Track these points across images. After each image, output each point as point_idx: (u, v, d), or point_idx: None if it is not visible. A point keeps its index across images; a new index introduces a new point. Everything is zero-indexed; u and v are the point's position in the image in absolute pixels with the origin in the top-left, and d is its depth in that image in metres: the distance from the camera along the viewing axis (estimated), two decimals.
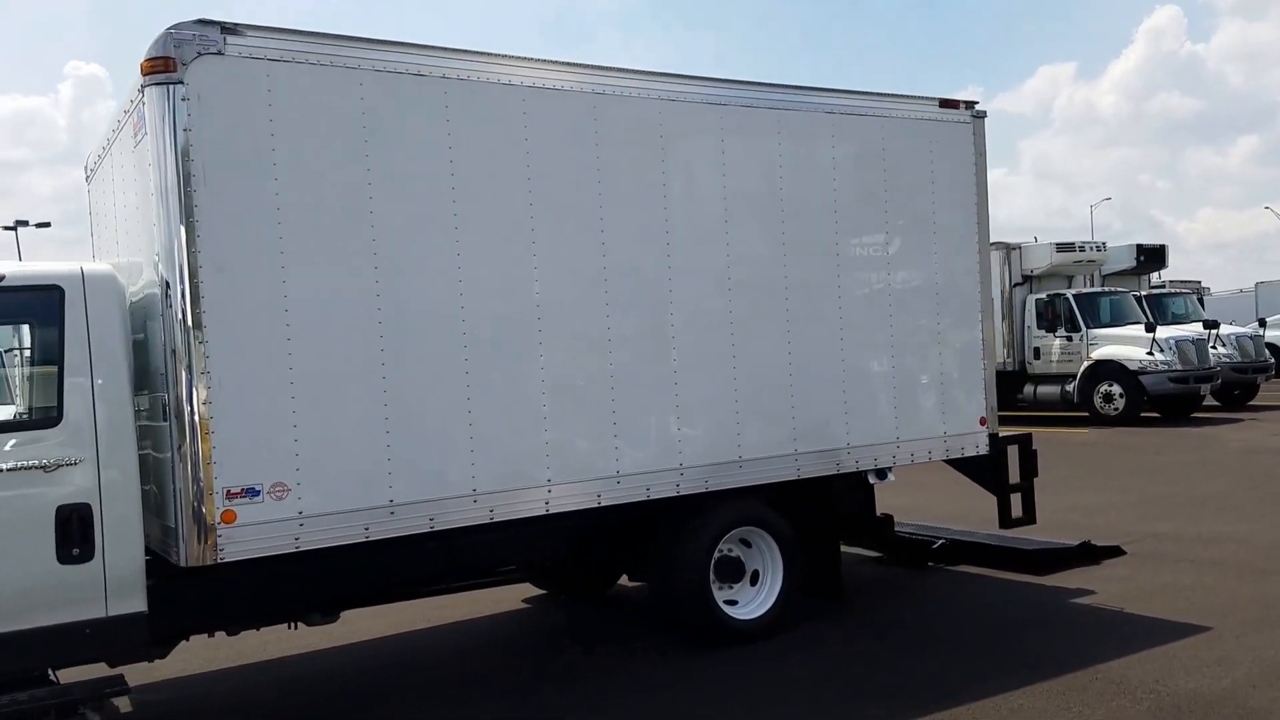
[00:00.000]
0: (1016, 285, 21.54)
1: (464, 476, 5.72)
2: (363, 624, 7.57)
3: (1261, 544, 8.91)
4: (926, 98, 7.58)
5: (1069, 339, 20.70)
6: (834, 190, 7.09)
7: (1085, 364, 20.32)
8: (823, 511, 7.25)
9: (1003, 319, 21.41)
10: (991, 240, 21.56)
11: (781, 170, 6.88)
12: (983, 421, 7.82)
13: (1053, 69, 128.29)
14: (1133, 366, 19.75)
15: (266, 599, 5.74)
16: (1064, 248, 21.36)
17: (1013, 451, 8.18)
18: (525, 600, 8.46)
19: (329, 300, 5.38)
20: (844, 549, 8.82)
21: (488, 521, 5.80)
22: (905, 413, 7.40)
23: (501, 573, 6.99)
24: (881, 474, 7.37)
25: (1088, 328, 20.46)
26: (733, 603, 6.83)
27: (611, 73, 6.28)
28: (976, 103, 7.80)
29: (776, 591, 6.86)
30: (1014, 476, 8.22)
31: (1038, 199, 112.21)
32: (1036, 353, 21.19)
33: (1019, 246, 21.64)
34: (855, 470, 7.19)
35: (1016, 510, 8.16)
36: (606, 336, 6.21)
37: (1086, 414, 20.43)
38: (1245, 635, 6.42)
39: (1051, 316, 20.83)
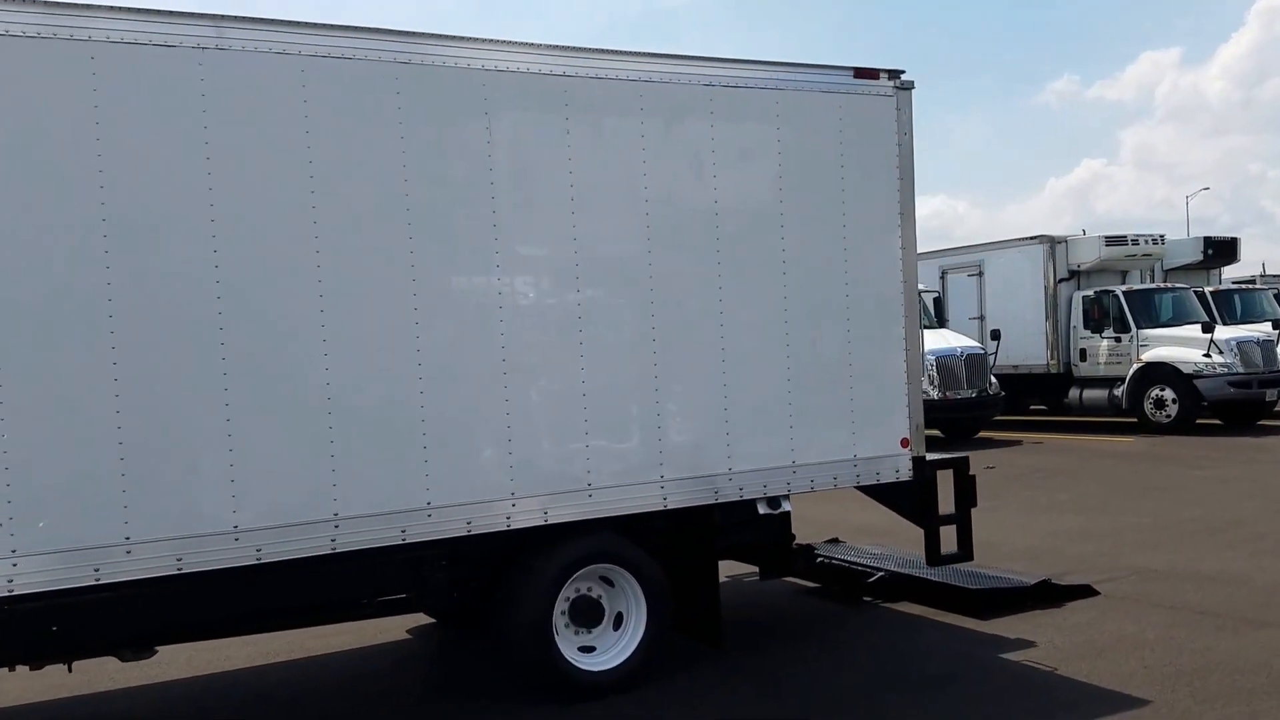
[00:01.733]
0: (1062, 281, 20.05)
1: (222, 510, 4.91)
2: (226, 651, 6.91)
3: (1260, 586, 7.65)
4: (837, 67, 6.53)
5: (1117, 340, 19.15)
6: (713, 175, 6.11)
7: (1135, 366, 18.77)
8: (701, 547, 6.27)
9: (1046, 318, 19.97)
10: (1036, 233, 20.45)
11: (645, 153, 5.93)
12: (905, 443, 6.74)
13: (1155, 54, 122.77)
14: (1187, 370, 18.14)
15: (44, 637, 4.99)
16: (1114, 241, 19.79)
17: (946, 477, 7.08)
18: (409, 630, 7.66)
19: (43, 302, 4.62)
20: (784, 579, 7.88)
21: (255, 563, 4.99)
22: (804, 433, 6.38)
23: (345, 609, 6.10)
24: (775, 503, 6.35)
25: (1138, 327, 18.88)
26: (589, 649, 5.91)
27: (422, 39, 5.40)
28: (903, 72, 6.71)
29: (638, 639, 5.92)
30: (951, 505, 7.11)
31: (1139, 191, 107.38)
32: (1083, 354, 19.69)
33: (1064, 239, 20.14)
34: (739, 499, 6.20)
35: (949, 546, 7.05)
36: (415, 346, 5.34)
37: (1136, 420, 18.88)
38: (1188, 715, 5.28)
39: (1099, 315, 19.30)
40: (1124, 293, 19.18)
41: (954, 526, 7.04)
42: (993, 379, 18.97)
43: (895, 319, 6.70)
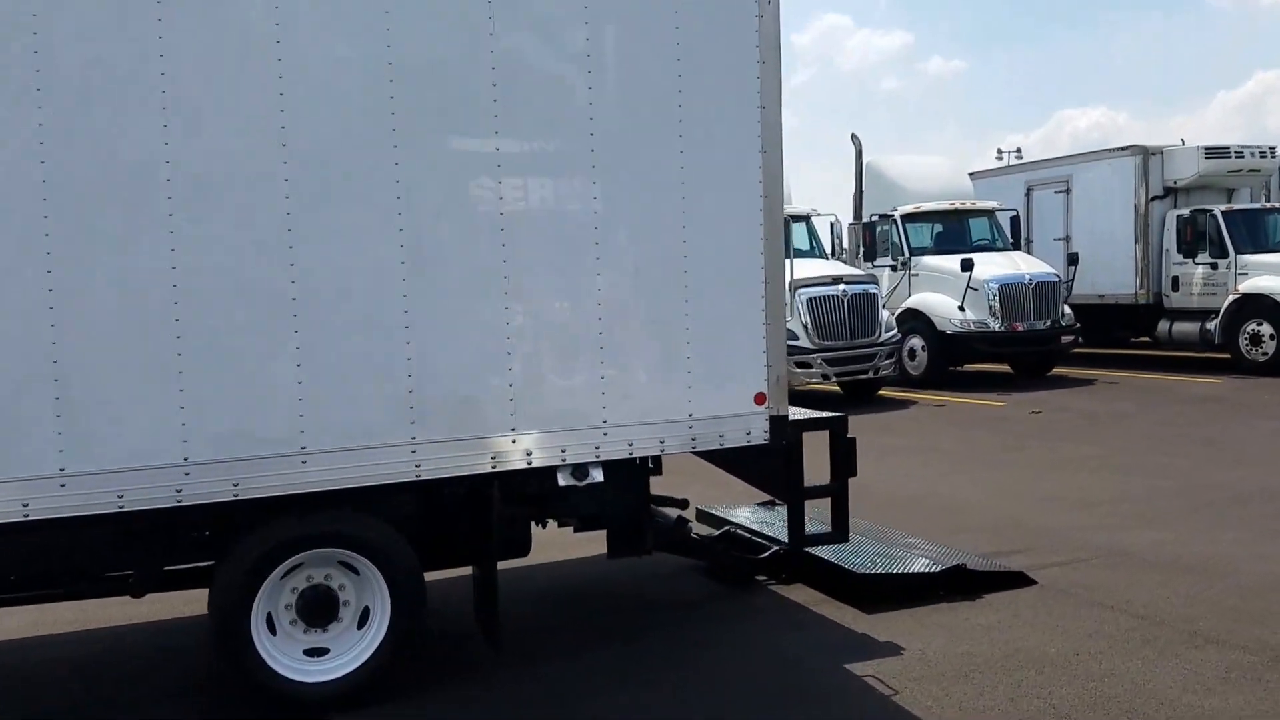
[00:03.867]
0: (1156, 199, 17.82)
1: None
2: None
3: (1243, 581, 6.19)
4: None
5: (1213, 267, 16.94)
6: (491, 55, 4.91)
7: (1231, 298, 16.56)
8: (475, 529, 5.24)
9: (1136, 241, 17.82)
10: (1125, 143, 18.21)
11: (391, 27, 4.76)
12: (760, 400, 5.52)
13: None
14: None
15: None
16: (1215, 152, 17.41)
17: (817, 441, 5.85)
18: None
19: None
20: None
21: None
22: (620, 385, 5.24)
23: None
24: (581, 472, 5.26)
25: (1237, 253, 16.62)
26: (321, 652, 4.93)
27: None
28: None
29: (377, 642, 4.95)
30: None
31: None
32: (1175, 283, 17.53)
33: (1160, 150, 17.84)
34: (529, 468, 5.13)
35: (821, 524, 5.85)
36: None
37: (1229, 358, 16.74)
38: None
39: (1193, 238, 17.07)
40: (1222, 213, 16.87)
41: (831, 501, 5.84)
42: (1066, 309, 17.05)
43: (750, 241, 5.43)
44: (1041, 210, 19.73)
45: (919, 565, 6.31)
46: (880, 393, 16.22)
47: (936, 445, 11.44)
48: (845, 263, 18.36)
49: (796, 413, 5.99)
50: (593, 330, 5.18)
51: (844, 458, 5.90)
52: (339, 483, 4.75)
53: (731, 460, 5.76)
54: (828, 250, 17.23)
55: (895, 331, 15.89)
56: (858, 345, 15.03)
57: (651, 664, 5.38)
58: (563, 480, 5.21)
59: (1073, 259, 17.66)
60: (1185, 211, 17.31)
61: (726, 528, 7.24)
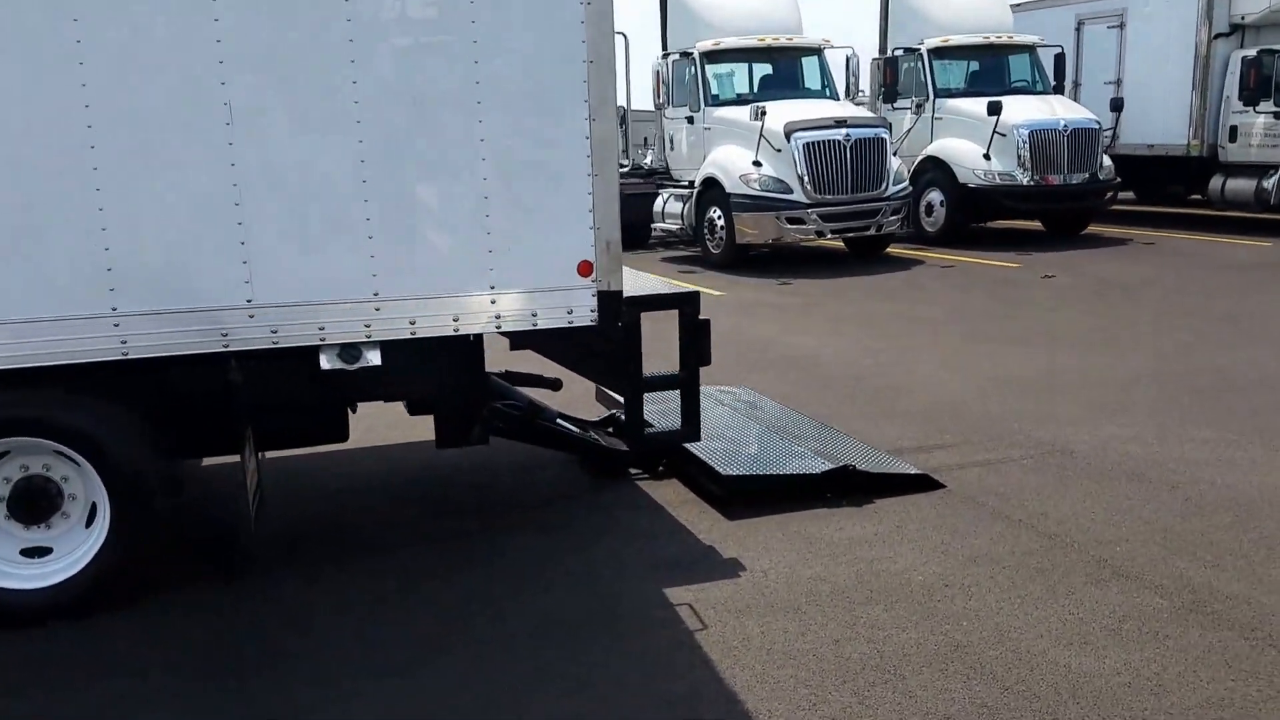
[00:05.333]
0: (1219, 37, 15.77)
1: None
2: None
3: (1188, 495, 5.15)
4: None
5: (1277, 116, 15.05)
6: None
7: None
8: (217, 416, 4.36)
9: (1194, 85, 15.92)
10: None
11: None
12: (586, 270, 4.50)
13: None
14: None
15: None
16: None
17: (658, 323, 4.85)
18: None
19: None
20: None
21: None
22: (396, 248, 4.26)
23: None
24: (352, 354, 4.33)
25: None
26: (44, 552, 4.23)
27: None
28: None
29: (100, 543, 4.20)
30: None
31: None
32: (1232, 133, 15.66)
33: None
34: (275, 347, 4.22)
35: (665, 420, 4.90)
36: None
37: None
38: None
39: (1256, 82, 15.12)
40: None
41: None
42: (1106, 161, 15.40)
43: (567, 57, 4.31)
44: (1092, 49, 17.74)
45: (799, 465, 5.36)
46: (888, 250, 14.95)
47: (918, 313, 10.29)
48: (865, 107, 16.84)
49: (642, 286, 4.98)
50: (353, 179, 4.17)
51: (695, 343, 4.90)
52: (22, 360, 3.91)
53: (558, 347, 4.78)
54: (841, 91, 15.65)
55: (906, 184, 14.46)
56: (860, 199, 13.68)
57: (435, 572, 4.57)
58: (327, 363, 4.31)
59: (1116, 104, 15.89)
60: (1251, 52, 15.29)
61: (614, 412, 6.33)
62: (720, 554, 4.68)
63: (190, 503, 4.88)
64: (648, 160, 17.11)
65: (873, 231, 13.93)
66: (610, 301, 4.56)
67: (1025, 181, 14.92)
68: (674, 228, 15.64)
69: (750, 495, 5.19)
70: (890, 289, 11.99)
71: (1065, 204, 15.54)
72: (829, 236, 13.97)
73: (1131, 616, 3.98)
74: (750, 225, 13.60)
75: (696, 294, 4.95)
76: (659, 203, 15.76)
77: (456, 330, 4.43)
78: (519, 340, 4.69)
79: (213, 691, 3.66)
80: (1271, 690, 3.45)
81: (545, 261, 4.46)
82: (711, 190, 14.22)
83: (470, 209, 4.32)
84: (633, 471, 5.78)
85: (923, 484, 5.38)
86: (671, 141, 15.72)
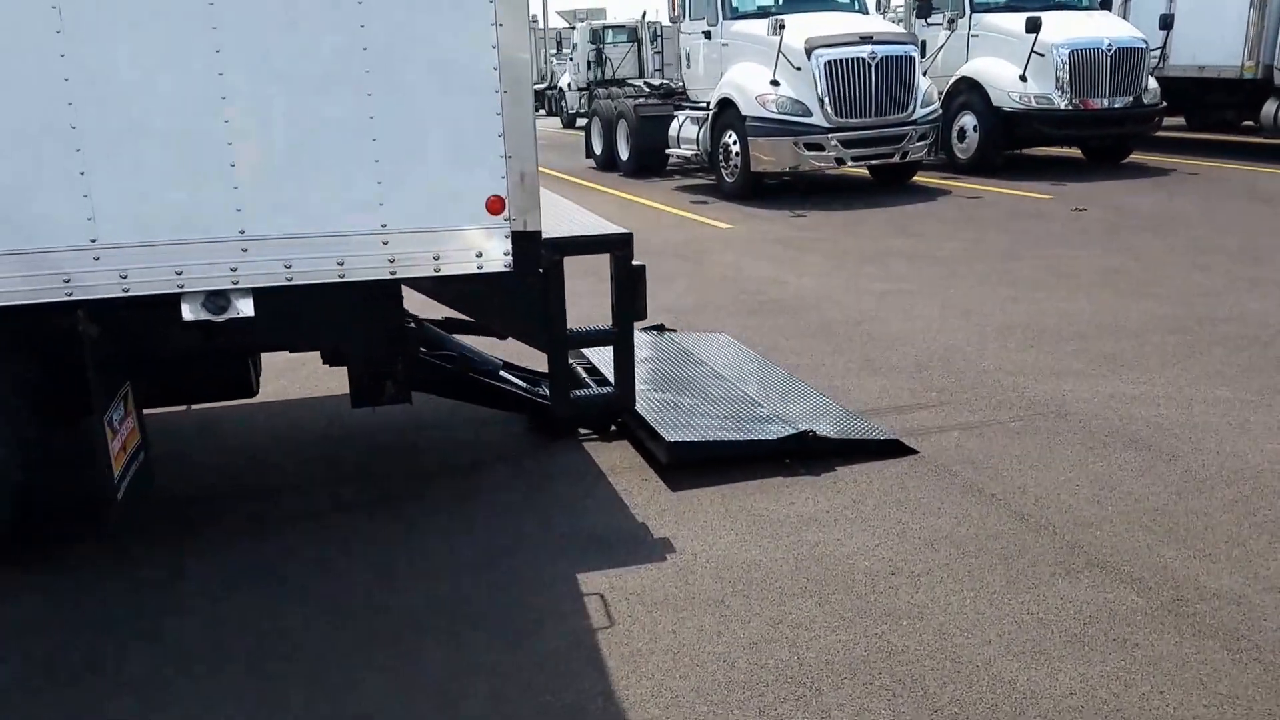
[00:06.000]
0: None
1: None
2: None
3: (1190, 467, 4.54)
4: None
5: None
6: None
7: None
8: (58, 371, 3.89)
9: (1250, 3, 14.73)
10: None
11: None
12: (497, 206, 3.94)
13: None
14: None
15: None
16: None
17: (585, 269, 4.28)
18: None
19: None
20: None
21: None
22: (261, 181, 3.72)
23: None
24: (219, 304, 3.82)
25: None
26: None
27: None
28: None
29: None
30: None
31: None
32: None
33: None
34: (125, 295, 3.72)
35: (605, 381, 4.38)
36: None
37: None
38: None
39: None
40: None
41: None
42: (1152, 83, 14.39)
43: None
44: None
45: (755, 430, 4.81)
46: (914, 179, 14.14)
47: (933, 251, 9.59)
48: (900, 23, 15.87)
49: (567, 226, 4.42)
50: (210, 95, 3.62)
51: (628, 293, 4.34)
52: None
53: (470, 297, 4.25)
54: (871, 3, 14.71)
55: (935, 107, 13.59)
56: (885, 124, 12.86)
57: (318, 554, 4.11)
58: (190, 313, 3.81)
59: (1166, 21, 14.80)
60: None
61: (574, 364, 5.80)
62: (651, 533, 4.18)
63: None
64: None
65: (897, 159, 13.12)
66: (527, 243, 4.01)
67: (1063, 105, 13.97)
68: (689, 153, 14.86)
69: (698, 463, 4.67)
70: (908, 223, 11.26)
71: (1106, 130, 14.58)
72: (849, 164, 13.19)
73: (1099, 618, 3.44)
74: (766, 151, 12.84)
75: (629, 235, 4.37)
76: (674, 126, 14.99)
77: (342, 276, 3.90)
78: (422, 289, 4.15)
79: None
80: (1251, 718, 2.91)
81: (446, 196, 3.90)
82: (727, 112, 13.44)
83: (353, 131, 3.76)
84: (582, 432, 5.28)
85: (893, 450, 4.82)
86: (689, 59, 14.90)
